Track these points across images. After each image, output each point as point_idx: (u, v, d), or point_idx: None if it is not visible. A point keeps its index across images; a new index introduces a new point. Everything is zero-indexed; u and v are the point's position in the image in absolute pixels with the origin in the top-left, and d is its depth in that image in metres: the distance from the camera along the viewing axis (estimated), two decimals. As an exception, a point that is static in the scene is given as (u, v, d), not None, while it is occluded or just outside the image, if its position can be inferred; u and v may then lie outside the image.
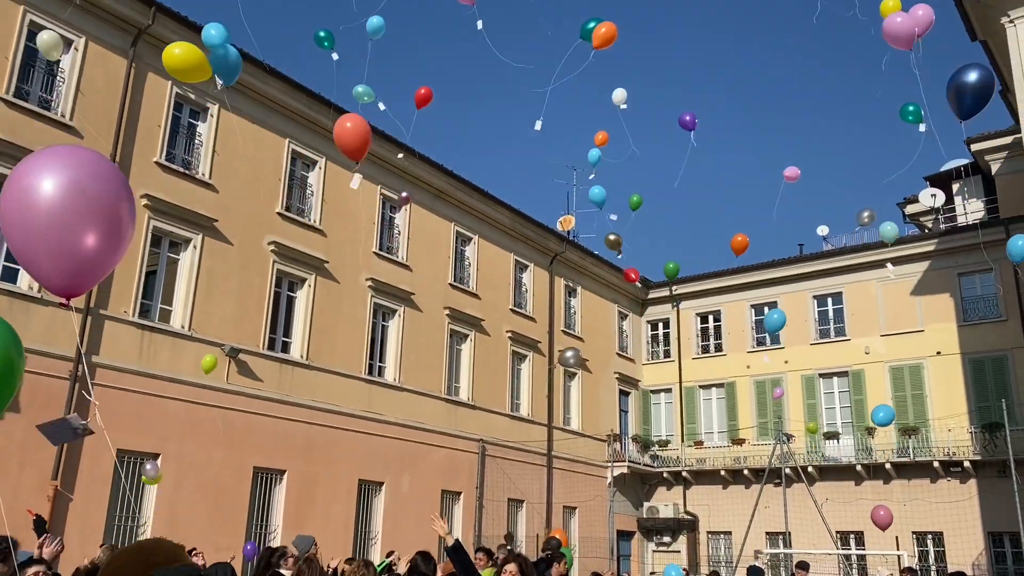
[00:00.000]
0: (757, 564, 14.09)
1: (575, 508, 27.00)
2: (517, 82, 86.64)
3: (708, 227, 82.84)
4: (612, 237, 17.67)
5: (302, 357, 19.12)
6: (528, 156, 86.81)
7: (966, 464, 24.08)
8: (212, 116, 18.05)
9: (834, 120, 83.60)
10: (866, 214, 17.76)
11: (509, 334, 25.62)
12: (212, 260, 17.47)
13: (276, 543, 17.59)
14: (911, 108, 12.38)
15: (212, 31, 7.98)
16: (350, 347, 20.41)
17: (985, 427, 23.88)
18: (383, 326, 21.77)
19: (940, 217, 29.33)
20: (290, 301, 19.44)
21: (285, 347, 19.06)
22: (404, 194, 18.03)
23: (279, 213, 19.23)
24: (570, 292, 29.12)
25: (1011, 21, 18.78)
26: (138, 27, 16.54)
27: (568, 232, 29.56)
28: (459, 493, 22.86)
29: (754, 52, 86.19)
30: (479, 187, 24.58)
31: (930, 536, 24.54)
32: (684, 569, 19.69)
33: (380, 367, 21.44)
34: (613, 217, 22.64)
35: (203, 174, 17.71)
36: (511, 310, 25.97)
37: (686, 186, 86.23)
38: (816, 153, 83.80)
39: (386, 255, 21.93)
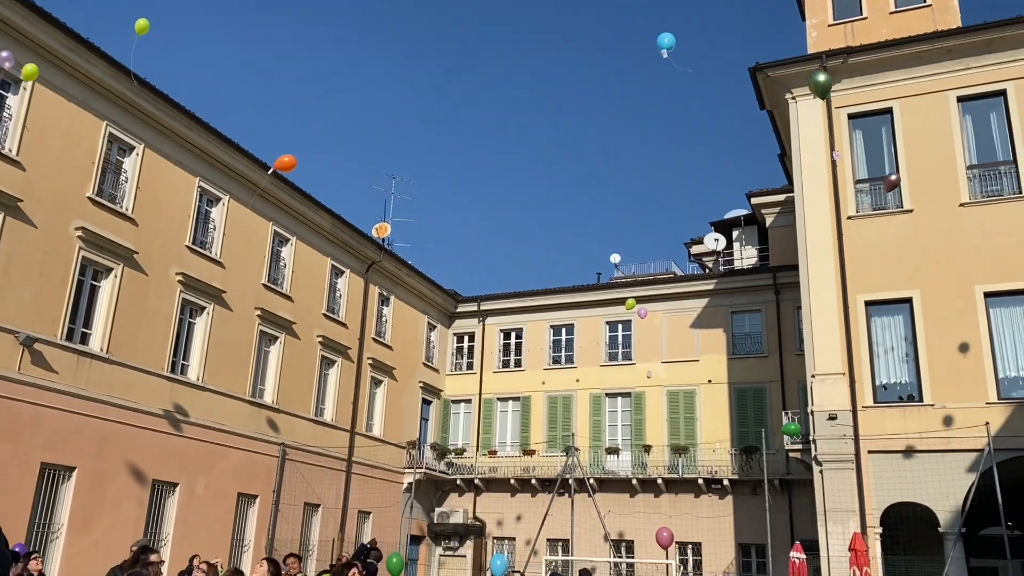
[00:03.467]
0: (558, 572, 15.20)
1: (370, 513, 27.40)
2: (346, 88, 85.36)
3: (521, 247, 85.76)
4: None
5: (102, 350, 18.24)
6: (348, 161, 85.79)
7: (725, 482, 27.02)
8: (25, 89, 16.88)
9: (647, 149, 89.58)
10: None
11: (320, 339, 25.64)
12: (13, 242, 16.33)
13: (60, 543, 16.72)
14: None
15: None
16: (154, 342, 19.70)
17: (744, 450, 26.97)
18: (190, 323, 21.16)
19: (720, 259, 32.71)
20: (93, 290, 18.48)
21: (84, 338, 18.10)
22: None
23: (89, 198, 18.26)
24: (383, 300, 29.54)
25: (793, 98, 21.49)
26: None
27: (383, 239, 30.05)
28: (255, 496, 22.58)
29: (576, 83, 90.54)
30: (301, 188, 24.48)
31: (690, 546, 27.29)
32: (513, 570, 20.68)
33: (184, 365, 20.82)
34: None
35: (10, 150, 16.52)
36: (324, 315, 26.00)
37: (506, 205, 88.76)
38: (623, 182, 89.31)
39: (199, 250, 21.34)
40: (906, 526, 18.08)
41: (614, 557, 26.36)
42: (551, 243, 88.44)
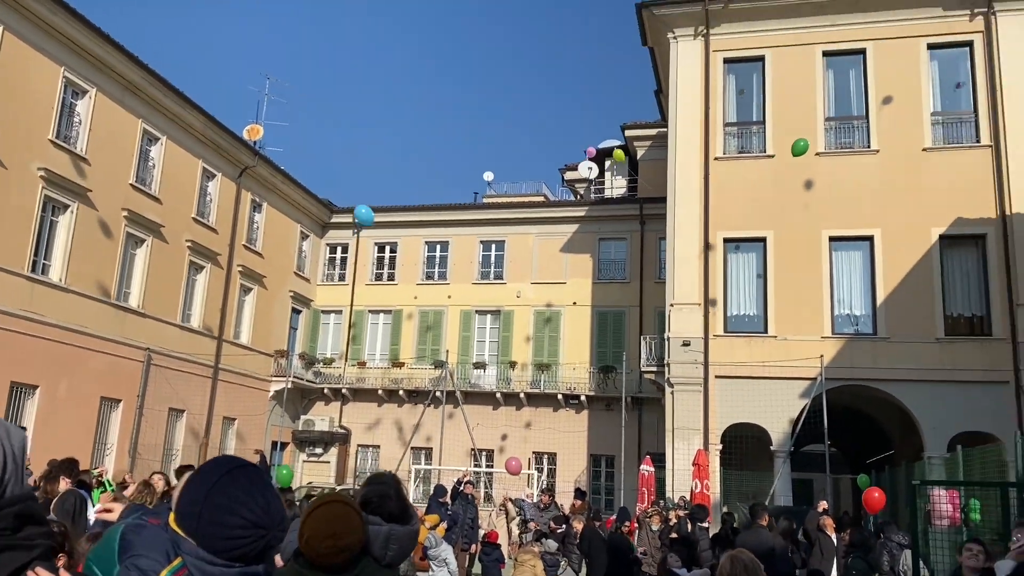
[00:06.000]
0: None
1: (235, 420, 27.42)
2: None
3: (402, 162, 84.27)
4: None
5: (-46, 246, 17.20)
6: (223, 60, 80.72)
7: (583, 398, 28.72)
8: None
9: (532, 74, 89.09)
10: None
11: (189, 243, 24.93)
12: None
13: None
14: None
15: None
16: (13, 240, 18.69)
17: (602, 369, 28.66)
18: (53, 221, 20.13)
19: (592, 187, 33.81)
20: (-56, 182, 17.26)
21: (-66, 233, 16.99)
22: None
23: (-61, 80, 16.85)
24: (256, 207, 28.86)
25: (675, 38, 22.28)
26: None
27: (255, 142, 29.14)
28: (119, 400, 22.17)
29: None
30: (174, 86, 23.33)
31: (546, 456, 29.02)
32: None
33: (46, 265, 19.89)
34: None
35: None
36: (193, 219, 25.23)
37: (387, 118, 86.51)
38: (507, 104, 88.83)
39: (63, 144, 20.16)
40: (743, 444, 20.11)
41: (474, 466, 27.72)
42: (432, 159, 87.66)
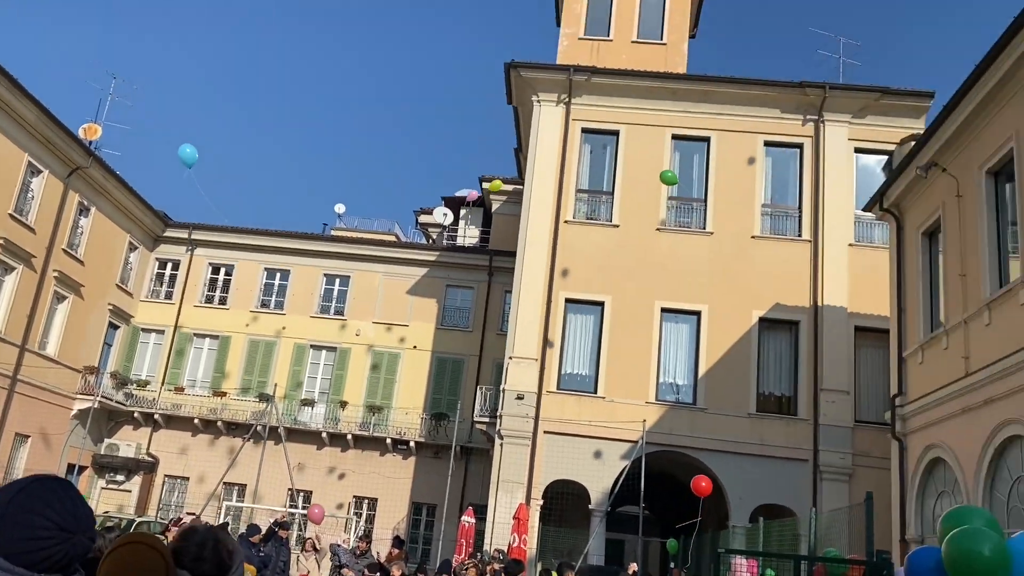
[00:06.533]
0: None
1: (28, 437, 25.04)
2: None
3: (252, 182, 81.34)
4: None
5: None
6: (65, 52, 75.58)
7: (412, 444, 28.36)
8: None
9: (398, 118, 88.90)
10: None
11: (1, 241, 22.83)
12: None
13: None
14: None
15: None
16: None
17: (435, 416, 28.47)
18: None
19: (445, 233, 33.99)
20: None
21: None
22: None
23: None
24: (83, 211, 26.89)
25: (539, 101, 23.00)
26: None
27: (91, 142, 27.31)
28: None
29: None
30: (9, 73, 21.55)
31: (367, 500, 28.31)
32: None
33: None
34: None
35: None
36: (10, 215, 23.16)
37: (242, 136, 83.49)
38: (370, 142, 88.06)
39: None
40: (563, 500, 20.49)
41: (291, 507, 26.59)
42: (285, 185, 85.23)
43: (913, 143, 16.05)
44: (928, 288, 15.20)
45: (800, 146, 22.27)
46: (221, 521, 20.28)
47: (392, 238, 34.35)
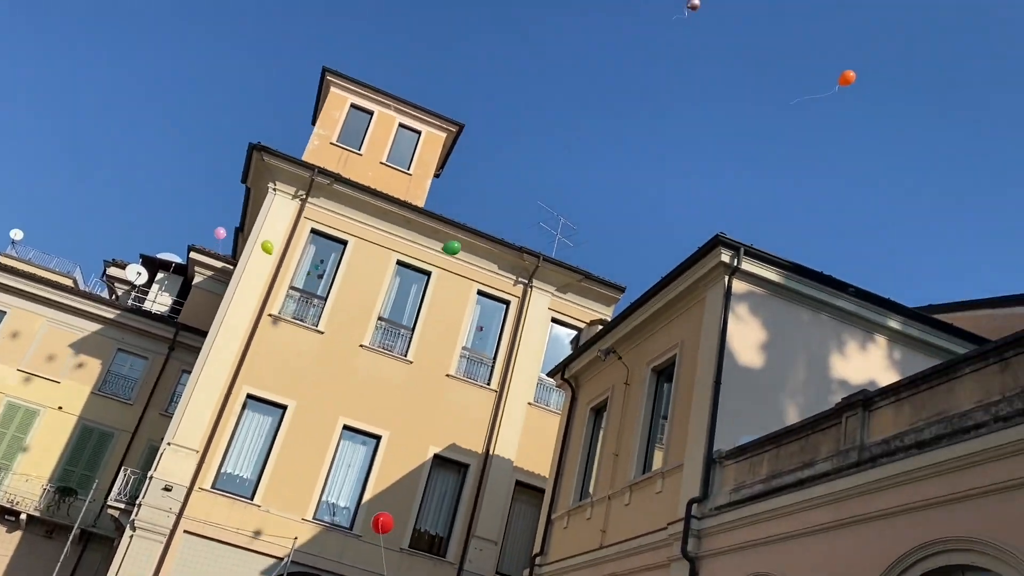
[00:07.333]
0: None
1: None
2: None
3: None
4: None
5: None
6: None
7: (23, 516, 24.62)
8: None
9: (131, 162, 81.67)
10: None
11: None
12: None
13: None
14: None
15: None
16: None
17: (61, 490, 25.09)
18: None
19: (134, 292, 31.28)
20: None
21: None
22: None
23: None
24: None
25: (275, 190, 22.52)
26: None
27: None
28: None
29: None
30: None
31: (-54, 575, 23.83)
32: None
33: None
34: None
35: None
36: None
37: None
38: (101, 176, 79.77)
39: None
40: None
41: None
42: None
43: (600, 327, 17.91)
44: (586, 459, 16.57)
45: (508, 303, 23.80)
46: None
47: (69, 282, 30.86)
